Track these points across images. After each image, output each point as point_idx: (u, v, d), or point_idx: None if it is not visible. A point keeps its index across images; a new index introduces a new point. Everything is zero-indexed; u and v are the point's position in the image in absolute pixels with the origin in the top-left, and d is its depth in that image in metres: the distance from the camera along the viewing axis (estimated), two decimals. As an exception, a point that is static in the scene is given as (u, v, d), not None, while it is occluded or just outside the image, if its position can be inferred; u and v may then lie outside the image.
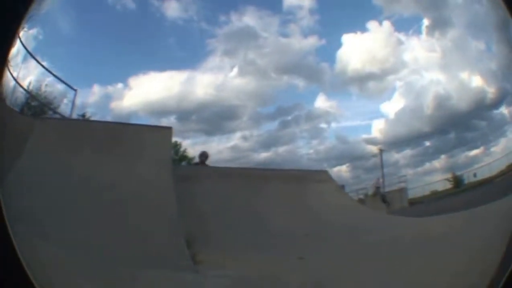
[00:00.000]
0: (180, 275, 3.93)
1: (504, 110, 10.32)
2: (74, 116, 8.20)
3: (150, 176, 5.33)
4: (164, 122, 10.85)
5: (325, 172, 8.82)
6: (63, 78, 7.95)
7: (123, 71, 10.43)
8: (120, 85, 10.82)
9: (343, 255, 4.84)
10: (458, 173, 10.19)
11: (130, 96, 10.89)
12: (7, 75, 2.32)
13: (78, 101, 8.13)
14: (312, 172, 8.82)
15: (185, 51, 11.27)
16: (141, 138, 6.04)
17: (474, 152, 10.62)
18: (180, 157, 9.96)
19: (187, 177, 6.62)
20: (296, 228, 5.78)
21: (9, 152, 3.08)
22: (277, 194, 6.88)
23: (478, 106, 11.24)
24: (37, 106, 7.74)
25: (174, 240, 4.45)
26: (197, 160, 8.77)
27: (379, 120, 11.45)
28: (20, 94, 6.77)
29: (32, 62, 7.12)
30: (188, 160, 10.03)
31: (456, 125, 11.13)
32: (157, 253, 4.06)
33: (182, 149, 10.08)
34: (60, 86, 7.98)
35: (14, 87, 6.03)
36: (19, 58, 6.07)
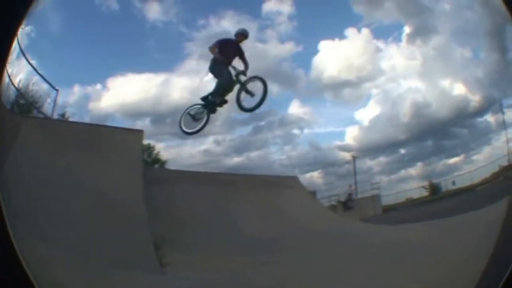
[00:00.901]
0: (146, 277, 4.13)
1: (489, 118, 10.53)
2: (55, 115, 8.39)
3: (120, 178, 5.48)
4: (139, 124, 10.91)
5: (295, 178, 9.04)
6: (47, 78, 8.14)
7: (102, 72, 10.54)
8: (99, 86, 10.93)
9: (309, 260, 5.05)
10: (436, 180, 10.42)
11: (108, 97, 10.99)
12: (5, 75, 2.46)
13: (60, 101, 8.33)
14: (282, 178, 8.99)
15: (163, 54, 11.43)
16: (112, 140, 6.17)
17: (454, 160, 10.80)
18: (153, 160, 10.00)
19: (159, 180, 6.80)
20: (263, 233, 6.03)
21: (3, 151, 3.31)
22: (246, 199, 7.10)
23: (459, 114, 11.41)
24: (24, 104, 7.90)
25: (141, 242, 4.64)
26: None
27: (353, 127, 11.68)
28: (12, 92, 6.96)
29: (23, 61, 7.31)
30: (161, 162, 10.02)
31: (435, 133, 11.31)
32: (123, 255, 4.25)
33: (155, 151, 10.12)
34: (45, 86, 8.18)
35: (8, 86, 6.18)
36: (14, 57, 6.26)
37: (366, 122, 11.22)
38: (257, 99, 8.01)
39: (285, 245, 5.72)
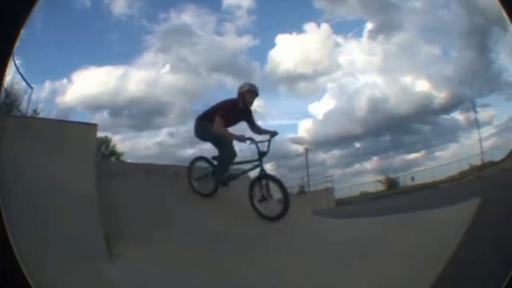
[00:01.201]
0: (94, 266, 4.25)
1: (458, 115, 10.76)
2: (29, 113, 8.35)
3: (73, 172, 5.60)
4: (98, 117, 10.94)
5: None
6: (25, 75, 8.09)
7: (70, 67, 10.48)
8: (65, 81, 10.87)
9: (255, 253, 5.37)
10: (393, 175, 10.61)
11: (72, 91, 10.96)
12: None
13: (34, 97, 8.26)
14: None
15: (124, 47, 11.45)
16: (66, 135, 6.29)
17: (413, 155, 11.00)
18: (110, 152, 10.02)
19: (114, 173, 6.97)
20: (211, 225, 6.24)
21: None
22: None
23: (421, 110, 11.64)
24: (8, 104, 7.87)
25: (92, 234, 4.78)
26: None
27: (307, 120, 11.86)
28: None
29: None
30: (117, 155, 9.99)
31: (393, 128, 11.52)
32: (73, 247, 4.36)
33: (112, 144, 10.13)
34: (24, 84, 8.14)
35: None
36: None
37: (320, 116, 11.36)
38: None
39: (234, 238, 5.92)
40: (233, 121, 7.54)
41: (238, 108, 7.51)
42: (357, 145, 11.39)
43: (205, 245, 5.56)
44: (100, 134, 8.43)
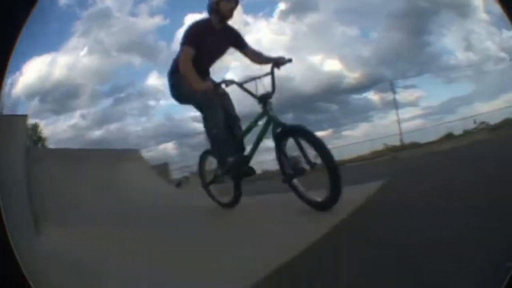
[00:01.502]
0: (22, 241, 4.92)
1: (372, 96, 10.89)
2: None
3: (6, 161, 6.08)
4: (32, 104, 10.95)
5: (136, 151, 9.40)
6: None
7: (21, 60, 10.38)
8: (18, 73, 10.78)
9: (140, 233, 5.65)
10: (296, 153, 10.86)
11: (20, 82, 10.85)
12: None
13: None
14: (123, 151, 9.27)
15: (58, 35, 11.49)
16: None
17: (319, 134, 11.34)
18: (37, 138, 10.19)
19: (38, 159, 7.34)
20: (104, 207, 6.67)
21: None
22: (93, 174, 7.70)
23: (329, 89, 11.78)
24: None
25: (20, 216, 5.33)
26: None
27: None
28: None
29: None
30: (43, 140, 10.14)
31: (296, 106, 12.08)
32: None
33: (39, 130, 10.29)
34: None
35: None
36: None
37: (221, 94, 11.43)
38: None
39: (121, 219, 6.32)
40: (211, 50, 5.53)
41: (214, 29, 5.40)
42: (260, 123, 11.38)
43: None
44: (32, 121, 8.60)
